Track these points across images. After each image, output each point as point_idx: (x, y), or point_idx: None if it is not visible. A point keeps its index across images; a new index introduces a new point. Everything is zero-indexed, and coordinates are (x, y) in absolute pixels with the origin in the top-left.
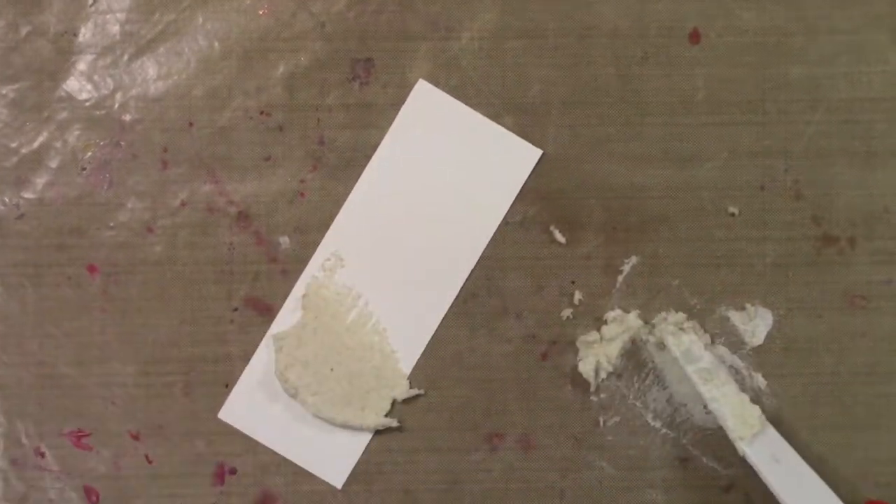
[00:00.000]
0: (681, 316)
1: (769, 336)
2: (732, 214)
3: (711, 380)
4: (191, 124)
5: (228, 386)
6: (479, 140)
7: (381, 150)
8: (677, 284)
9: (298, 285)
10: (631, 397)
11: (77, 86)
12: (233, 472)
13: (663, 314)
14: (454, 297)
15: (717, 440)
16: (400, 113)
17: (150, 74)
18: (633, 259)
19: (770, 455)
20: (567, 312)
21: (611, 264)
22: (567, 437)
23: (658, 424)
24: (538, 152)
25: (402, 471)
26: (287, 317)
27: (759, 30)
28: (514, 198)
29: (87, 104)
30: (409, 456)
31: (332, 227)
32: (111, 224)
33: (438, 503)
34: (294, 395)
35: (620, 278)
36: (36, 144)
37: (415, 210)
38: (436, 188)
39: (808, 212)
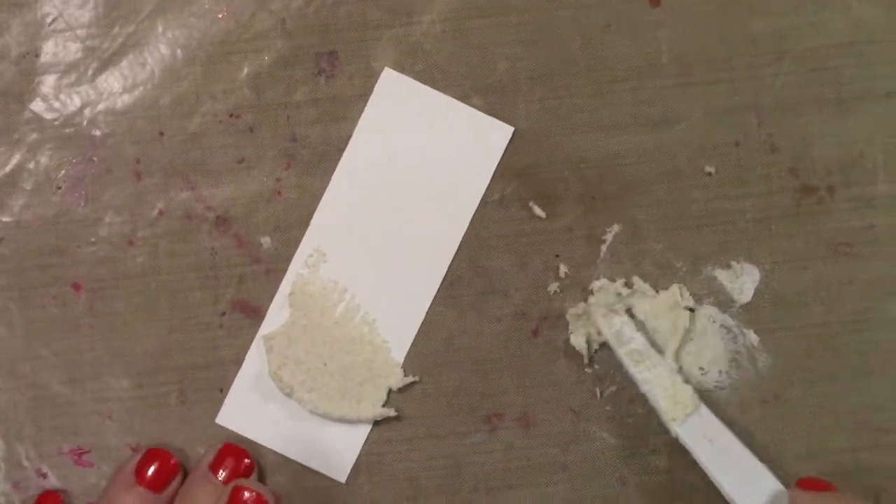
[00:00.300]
0: (612, 296)
1: (757, 292)
2: (709, 174)
3: (643, 361)
4: (161, 133)
5: (223, 391)
6: (451, 123)
7: (353, 141)
8: (661, 248)
9: (284, 284)
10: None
11: (44, 106)
12: None
13: (598, 283)
14: (440, 281)
15: (715, 398)
16: (368, 103)
17: (116, 88)
18: (615, 227)
19: (703, 435)
20: (554, 287)
21: (593, 234)
22: (565, 411)
23: None
24: (510, 129)
25: (404, 459)
26: (275, 316)
27: None
28: (490, 177)
29: (56, 123)
30: (410, 444)
31: (311, 224)
32: (91, 240)
33: (442, 488)
34: (290, 394)
35: (604, 248)
36: (8, 168)
37: (393, 199)
38: (411, 175)
39: (785, 164)
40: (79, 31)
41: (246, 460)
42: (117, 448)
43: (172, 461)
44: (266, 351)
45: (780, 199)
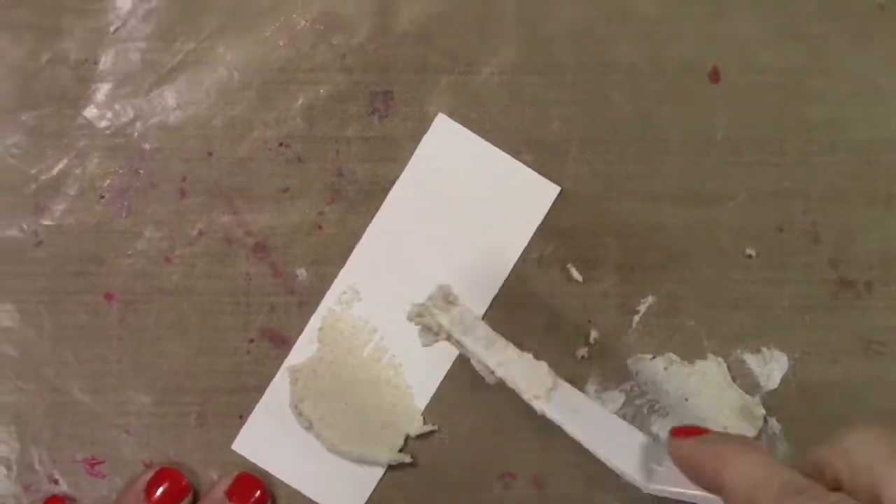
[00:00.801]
0: (446, 288)
1: (784, 379)
2: (750, 256)
3: (492, 345)
4: (210, 154)
5: (243, 417)
6: (499, 175)
7: (400, 183)
8: (693, 325)
9: (315, 318)
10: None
11: (97, 113)
12: None
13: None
14: None
15: None
16: (419, 146)
17: (170, 103)
18: (650, 299)
19: (569, 408)
20: (582, 351)
21: (627, 304)
22: (580, 476)
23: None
24: (556, 189)
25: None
26: (303, 349)
27: (779, 69)
28: (531, 234)
29: (107, 132)
30: (422, 491)
31: (349, 260)
32: (129, 252)
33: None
34: (308, 428)
35: (636, 318)
36: (55, 171)
37: (432, 245)
38: (453, 223)
39: (826, 255)
40: (140, 44)
41: (258, 492)
42: (131, 462)
43: (183, 482)
44: (290, 382)
45: (817, 290)
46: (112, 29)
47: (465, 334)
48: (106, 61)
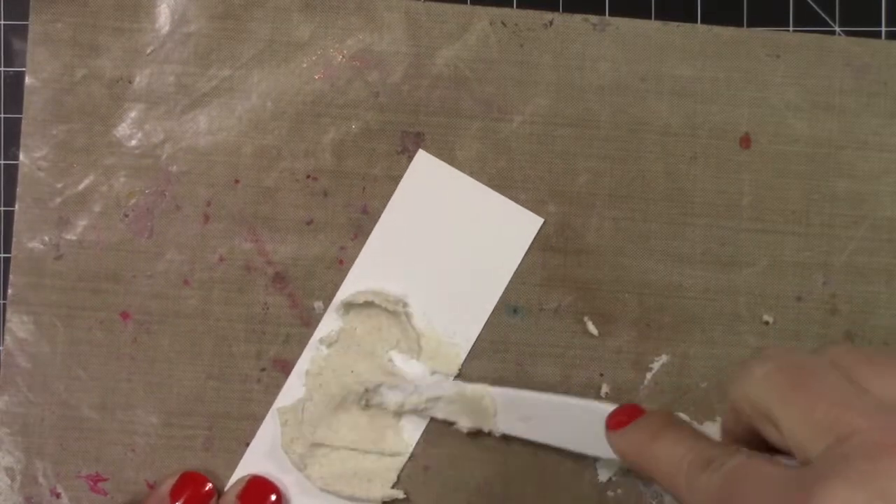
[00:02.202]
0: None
1: None
2: (767, 323)
3: (438, 399)
4: (237, 181)
5: (249, 445)
6: (481, 208)
7: (384, 217)
8: (705, 387)
9: (301, 361)
10: (648, 496)
11: (127, 132)
12: None
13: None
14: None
15: None
16: (402, 181)
17: (201, 128)
18: (664, 357)
19: (520, 418)
20: None
21: (641, 360)
22: None
23: None
24: (539, 220)
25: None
26: (295, 386)
27: (810, 140)
28: (516, 266)
29: (136, 151)
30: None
31: (334, 299)
32: (148, 273)
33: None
34: (301, 469)
35: (649, 375)
36: (81, 187)
37: (426, 284)
38: (442, 259)
39: (843, 327)
40: (175, 66)
41: (273, 496)
42: (134, 482)
43: (207, 487)
44: (280, 423)
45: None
46: (149, 50)
47: (402, 407)
48: (140, 81)
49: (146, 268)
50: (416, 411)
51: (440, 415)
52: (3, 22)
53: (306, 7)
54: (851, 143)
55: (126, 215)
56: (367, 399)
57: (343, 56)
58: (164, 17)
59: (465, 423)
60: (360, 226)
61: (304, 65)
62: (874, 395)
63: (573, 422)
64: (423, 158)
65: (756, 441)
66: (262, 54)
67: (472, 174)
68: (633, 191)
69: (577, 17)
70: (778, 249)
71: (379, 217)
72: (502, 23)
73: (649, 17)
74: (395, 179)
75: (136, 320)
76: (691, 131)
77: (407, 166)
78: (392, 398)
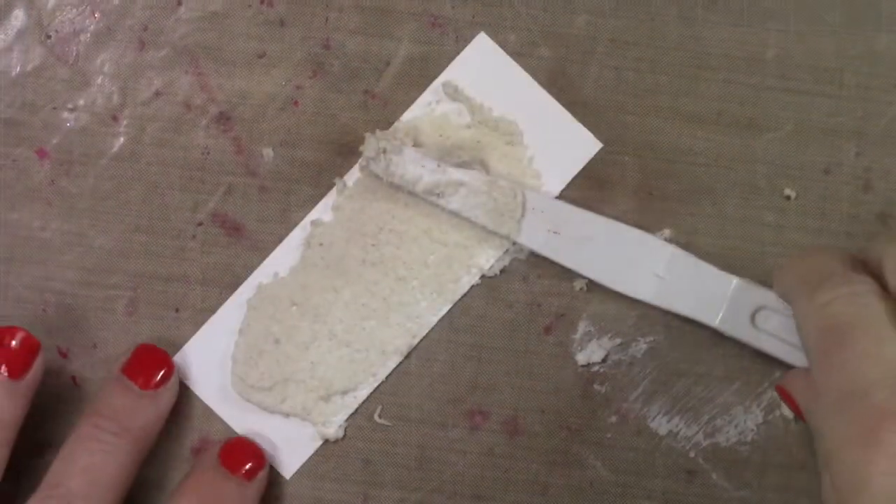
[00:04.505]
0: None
1: None
2: (788, 197)
3: (461, 185)
4: (179, 3)
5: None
6: (535, 116)
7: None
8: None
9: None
10: (634, 395)
11: None
12: None
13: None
14: None
15: (731, 456)
16: (449, 67)
17: None
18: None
19: (547, 228)
20: (581, 283)
21: None
22: (560, 426)
23: (662, 430)
24: (597, 146)
25: (364, 438)
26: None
27: None
28: (559, 190)
29: None
30: (375, 422)
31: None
32: (70, 105)
33: (399, 481)
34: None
35: None
36: None
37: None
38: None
39: (876, 207)
40: None
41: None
42: (45, 348)
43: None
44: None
45: (860, 245)
46: None
47: (416, 183)
48: None
49: (69, 99)
50: (431, 193)
51: (455, 205)
52: None
53: None
54: None
55: (49, 36)
56: (374, 163)
57: None
58: None
59: (481, 220)
60: (321, 63)
61: None
62: None
63: (615, 250)
64: (482, 42)
65: None
66: None
67: (453, 8)
68: (640, 36)
69: None
70: (805, 113)
71: (342, 53)
72: None
73: None
74: (363, 11)
75: (54, 160)
76: None
77: None
78: (410, 169)
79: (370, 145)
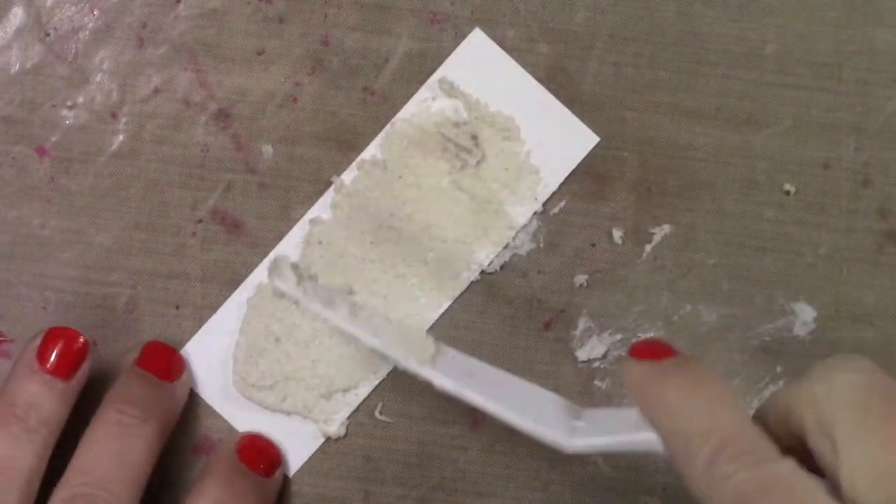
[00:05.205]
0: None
1: (810, 339)
2: (787, 192)
3: (358, 315)
4: (178, 1)
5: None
6: (531, 112)
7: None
8: (713, 264)
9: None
10: None
11: None
12: None
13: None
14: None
15: None
16: (444, 64)
17: None
18: (666, 228)
19: (461, 372)
20: (581, 279)
21: (639, 230)
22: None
23: None
24: (594, 139)
25: (366, 434)
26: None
27: None
28: (556, 186)
29: None
30: (376, 418)
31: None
32: (69, 103)
33: (400, 477)
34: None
35: (648, 248)
36: None
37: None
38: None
39: (875, 202)
40: None
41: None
42: None
43: (80, 341)
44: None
45: (860, 240)
46: None
47: (326, 307)
48: None
49: (68, 96)
50: (342, 323)
51: (368, 337)
52: None
53: None
54: None
55: (47, 34)
56: (286, 288)
57: None
58: None
59: (392, 354)
60: (320, 60)
61: None
62: None
63: (520, 392)
64: (478, 38)
65: (790, 448)
66: None
67: (452, 5)
68: (639, 32)
69: None
70: (804, 108)
71: (341, 49)
72: None
73: None
74: (362, 8)
75: (54, 157)
76: None
77: None
78: (320, 299)
79: (284, 272)
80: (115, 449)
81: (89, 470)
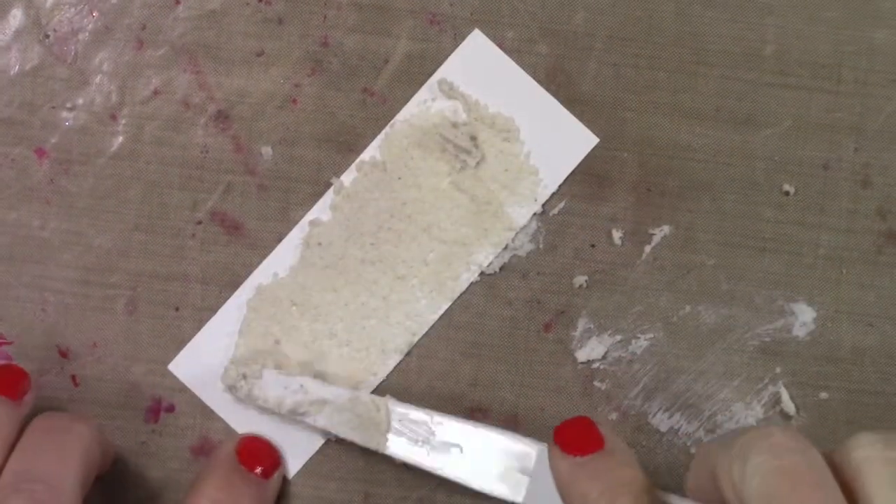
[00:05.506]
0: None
1: (808, 340)
2: (787, 193)
3: (325, 404)
4: (177, 2)
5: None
6: (531, 112)
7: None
8: (713, 265)
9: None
10: (635, 392)
11: None
12: (170, 409)
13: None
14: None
15: None
16: (443, 65)
17: None
18: (666, 228)
19: (413, 440)
20: (581, 280)
21: (638, 231)
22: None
23: (663, 426)
24: (594, 140)
25: None
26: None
27: None
28: (556, 186)
29: None
30: None
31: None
32: (69, 105)
33: (400, 479)
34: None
35: (648, 249)
36: None
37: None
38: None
39: (875, 202)
40: None
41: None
42: (44, 347)
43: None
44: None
45: (860, 241)
46: None
47: (280, 406)
48: None
49: (67, 98)
50: (296, 414)
51: (321, 423)
52: None
53: None
54: None
55: (47, 36)
56: (235, 391)
57: None
58: None
59: (349, 436)
60: (319, 61)
61: None
62: None
63: (485, 455)
64: (477, 39)
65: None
66: None
67: (451, 6)
68: (638, 33)
69: None
70: (804, 108)
71: (341, 50)
72: None
73: None
74: (361, 9)
75: (53, 159)
76: None
77: None
78: (272, 393)
79: (229, 375)
80: None
81: None
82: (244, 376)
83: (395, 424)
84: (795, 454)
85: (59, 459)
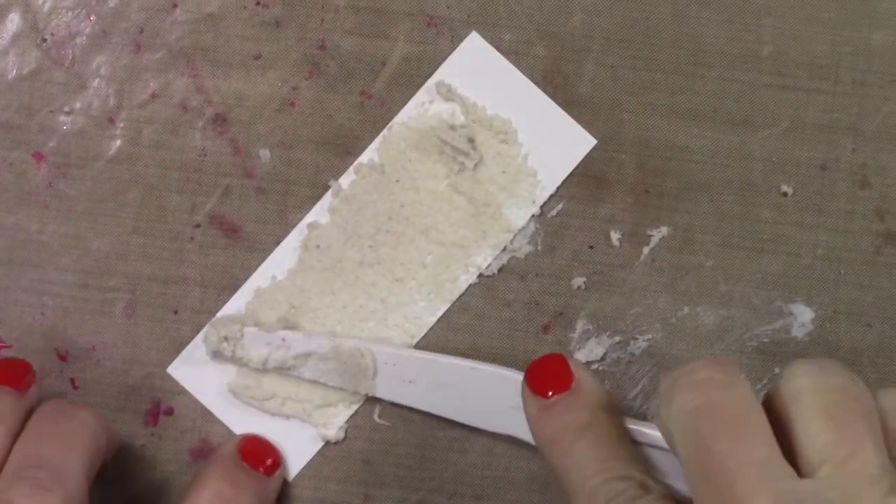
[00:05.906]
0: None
1: (807, 340)
2: (785, 194)
3: (309, 356)
4: (175, 5)
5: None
6: (529, 114)
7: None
8: (711, 266)
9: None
10: (634, 393)
11: None
12: (169, 412)
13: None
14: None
15: None
16: (441, 67)
17: None
18: (664, 230)
19: (400, 381)
20: (579, 281)
21: (637, 232)
22: None
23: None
24: (592, 141)
25: (365, 438)
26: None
27: None
28: (554, 188)
29: None
30: (375, 422)
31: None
32: (66, 109)
33: (400, 480)
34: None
35: (646, 250)
36: None
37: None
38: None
39: (873, 202)
40: None
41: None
42: (43, 350)
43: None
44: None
45: (858, 241)
46: None
47: (265, 364)
48: None
49: (65, 102)
50: (282, 369)
51: (308, 374)
52: None
53: None
54: None
55: (44, 40)
56: (218, 354)
57: None
58: None
59: (337, 383)
60: (317, 64)
61: None
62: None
63: (472, 390)
64: (474, 42)
65: None
66: None
67: (448, 8)
68: (636, 34)
69: None
70: (801, 109)
71: (338, 53)
72: None
73: None
74: (359, 12)
75: (51, 163)
76: None
77: None
78: (255, 352)
79: (210, 339)
80: None
81: None
82: (225, 338)
83: (381, 368)
84: (719, 389)
85: (63, 446)
